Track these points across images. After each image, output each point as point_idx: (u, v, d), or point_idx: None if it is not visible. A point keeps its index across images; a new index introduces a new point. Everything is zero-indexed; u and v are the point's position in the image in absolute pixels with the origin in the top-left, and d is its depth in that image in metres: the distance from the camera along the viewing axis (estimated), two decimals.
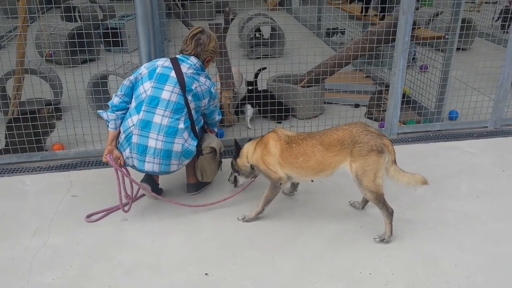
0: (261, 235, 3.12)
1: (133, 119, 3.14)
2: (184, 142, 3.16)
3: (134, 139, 3.12)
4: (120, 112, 3.19)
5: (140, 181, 3.37)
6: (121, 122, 3.19)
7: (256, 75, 4.94)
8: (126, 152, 3.18)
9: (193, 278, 2.75)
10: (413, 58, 6.08)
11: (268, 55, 6.74)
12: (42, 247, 2.99)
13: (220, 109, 4.55)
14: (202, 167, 3.42)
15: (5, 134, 4.02)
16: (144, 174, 3.39)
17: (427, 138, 4.52)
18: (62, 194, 3.58)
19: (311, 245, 3.03)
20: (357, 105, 5.14)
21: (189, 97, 3.16)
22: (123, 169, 3.20)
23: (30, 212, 3.36)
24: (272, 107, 4.49)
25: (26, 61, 4.52)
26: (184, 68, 3.18)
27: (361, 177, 2.89)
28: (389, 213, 2.98)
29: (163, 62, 3.22)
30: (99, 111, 3.29)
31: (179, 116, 3.14)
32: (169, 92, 3.12)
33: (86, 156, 4.09)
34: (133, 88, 3.22)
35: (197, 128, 3.30)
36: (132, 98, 3.21)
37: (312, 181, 3.60)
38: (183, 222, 3.27)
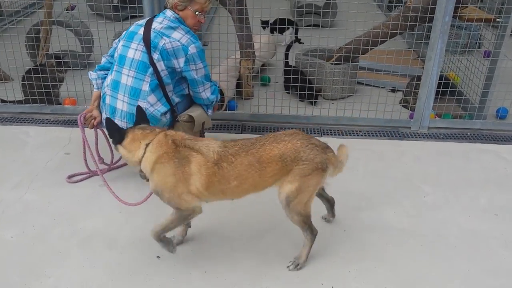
0: (229, 225, 2.91)
1: (107, 80, 3.04)
2: (148, 106, 2.92)
3: (107, 100, 3.02)
4: (101, 72, 3.10)
5: None
6: (102, 82, 3.09)
7: (288, 48, 4.58)
8: (104, 113, 3.07)
9: (143, 259, 2.61)
10: (478, 42, 5.33)
11: (318, 25, 6.28)
12: (15, 202, 3.01)
13: (238, 80, 4.33)
14: None
15: (21, 84, 4.10)
16: None
17: (462, 137, 3.95)
18: (57, 150, 3.58)
19: (276, 246, 2.74)
20: (393, 90, 4.61)
21: (155, 55, 2.88)
22: (98, 130, 3.15)
23: (20, 165, 3.39)
24: (298, 84, 4.15)
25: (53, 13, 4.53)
26: (156, 23, 2.93)
27: (292, 199, 2.35)
28: (313, 235, 2.51)
29: (140, 21, 3.03)
30: (89, 71, 3.20)
31: (143, 76, 2.91)
32: (134, 50, 2.93)
33: None
34: None
35: (177, 98, 3.07)
36: None
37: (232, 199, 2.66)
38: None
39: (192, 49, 2.91)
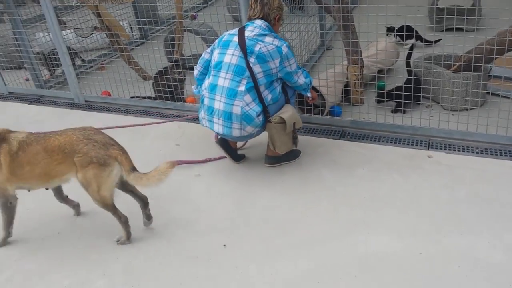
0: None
1: (205, 84, 3.34)
2: (244, 105, 3.14)
3: (206, 101, 3.29)
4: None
5: (216, 142, 3.55)
6: None
7: (409, 55, 4.37)
8: (202, 114, 3.36)
9: (210, 247, 2.80)
10: None
11: (462, 29, 5.74)
12: None
13: (345, 86, 4.30)
14: (272, 136, 3.31)
15: (152, 83, 4.69)
16: None
17: None
18: (170, 141, 4.01)
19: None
20: None
21: (252, 59, 3.13)
22: None
23: (140, 152, 3.81)
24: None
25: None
26: (248, 32, 3.21)
27: (86, 187, 2.67)
28: (123, 222, 2.80)
29: (230, 31, 3.31)
30: (194, 89, 3.63)
31: (239, 78, 3.15)
32: (230, 55, 3.20)
33: None
34: (210, 60, 3.39)
35: (270, 95, 3.22)
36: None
37: (47, 189, 2.99)
38: (247, 189, 3.31)
39: (284, 49, 3.19)
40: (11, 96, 5.23)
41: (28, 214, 3.15)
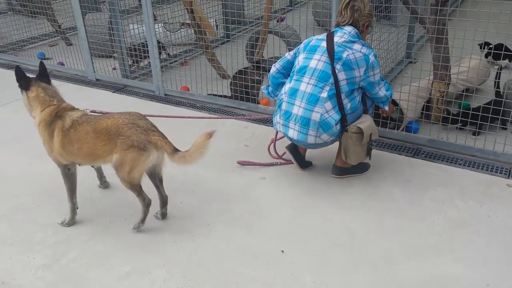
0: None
1: (285, 88, 3.31)
2: (324, 112, 3.10)
3: (284, 106, 3.27)
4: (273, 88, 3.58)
5: (285, 147, 3.54)
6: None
7: (498, 75, 4.11)
8: (277, 118, 3.35)
9: (268, 251, 2.80)
10: None
11: None
12: (191, 175, 3.54)
13: (427, 102, 4.11)
14: (346, 145, 3.23)
15: (230, 82, 4.78)
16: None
17: None
18: (239, 141, 4.06)
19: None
20: None
21: (338, 66, 3.09)
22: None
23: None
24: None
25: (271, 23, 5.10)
26: (337, 37, 3.16)
27: (118, 167, 2.79)
28: (145, 203, 2.90)
29: (318, 36, 3.27)
30: (263, 89, 3.66)
31: (323, 84, 3.12)
32: (316, 61, 3.16)
33: None
34: (292, 62, 3.37)
35: (349, 104, 3.16)
36: (288, 71, 3.39)
37: (93, 166, 3.27)
38: (311, 198, 3.27)
39: (371, 58, 3.14)
40: (97, 83, 5.55)
41: (100, 198, 3.33)
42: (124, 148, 2.73)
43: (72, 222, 3.07)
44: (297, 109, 3.18)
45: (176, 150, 2.75)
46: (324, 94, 3.11)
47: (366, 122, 3.23)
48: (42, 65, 3.06)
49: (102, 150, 2.80)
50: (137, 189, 2.87)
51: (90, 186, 3.41)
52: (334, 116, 3.13)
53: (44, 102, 2.95)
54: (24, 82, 2.98)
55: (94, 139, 2.79)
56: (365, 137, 3.20)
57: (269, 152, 3.78)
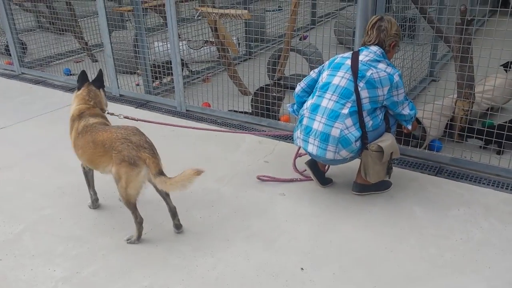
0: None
1: (307, 104, 3.32)
2: (344, 128, 3.09)
3: (305, 121, 3.28)
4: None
5: (305, 163, 3.52)
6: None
7: None
8: (297, 133, 3.36)
9: (287, 268, 2.77)
10: None
11: None
12: (213, 191, 3.55)
13: (451, 121, 4.05)
14: (366, 163, 3.22)
15: (252, 98, 4.81)
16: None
17: None
18: (259, 157, 4.06)
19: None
20: None
21: (361, 84, 3.09)
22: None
23: (228, 163, 3.99)
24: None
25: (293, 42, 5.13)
26: (362, 56, 3.18)
27: (116, 181, 2.85)
28: (138, 222, 2.95)
29: (344, 54, 3.29)
30: (289, 107, 3.68)
31: (345, 101, 3.12)
32: (340, 78, 3.18)
33: None
34: (317, 80, 3.38)
35: (371, 122, 3.15)
36: (313, 88, 3.40)
37: None
38: (331, 215, 3.24)
39: (396, 78, 3.14)
40: (121, 99, 5.66)
41: (120, 211, 3.35)
42: (117, 162, 2.80)
43: (93, 206, 3.38)
44: (318, 125, 3.18)
45: (160, 173, 2.75)
46: (345, 111, 3.10)
47: (387, 141, 3.20)
48: (100, 72, 3.35)
49: (99, 160, 2.93)
50: (132, 207, 2.92)
51: (112, 198, 3.45)
52: (354, 132, 3.12)
53: (81, 100, 3.17)
54: (80, 85, 3.25)
55: (92, 149, 2.93)
56: (385, 155, 3.18)
57: (294, 167, 3.78)
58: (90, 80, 3.29)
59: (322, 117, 3.17)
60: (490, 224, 3.05)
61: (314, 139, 3.20)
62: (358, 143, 3.15)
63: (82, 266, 2.84)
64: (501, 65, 4.89)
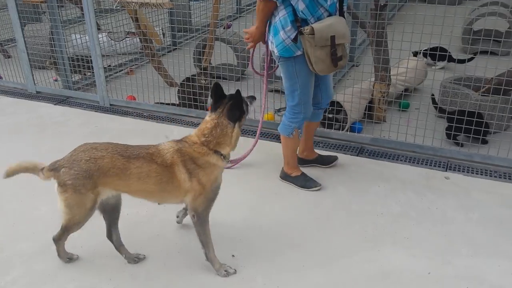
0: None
1: None
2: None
3: None
4: None
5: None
6: None
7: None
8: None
9: (218, 256, 2.76)
10: None
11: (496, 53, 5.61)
12: None
13: (369, 103, 4.26)
14: (306, 51, 2.93)
15: (178, 89, 4.76)
16: None
17: None
18: None
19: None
20: None
21: None
22: None
23: None
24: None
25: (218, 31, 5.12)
26: None
27: None
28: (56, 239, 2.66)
29: None
30: None
31: None
32: None
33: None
34: None
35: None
36: None
37: None
38: (261, 200, 3.29)
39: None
40: (38, 96, 5.36)
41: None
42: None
43: None
44: None
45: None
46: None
47: (325, 22, 2.86)
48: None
49: None
50: (65, 230, 2.64)
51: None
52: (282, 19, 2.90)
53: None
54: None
55: None
56: (320, 39, 2.82)
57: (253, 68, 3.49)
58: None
59: None
60: (408, 198, 3.25)
61: None
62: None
63: None
64: (412, 52, 5.18)
